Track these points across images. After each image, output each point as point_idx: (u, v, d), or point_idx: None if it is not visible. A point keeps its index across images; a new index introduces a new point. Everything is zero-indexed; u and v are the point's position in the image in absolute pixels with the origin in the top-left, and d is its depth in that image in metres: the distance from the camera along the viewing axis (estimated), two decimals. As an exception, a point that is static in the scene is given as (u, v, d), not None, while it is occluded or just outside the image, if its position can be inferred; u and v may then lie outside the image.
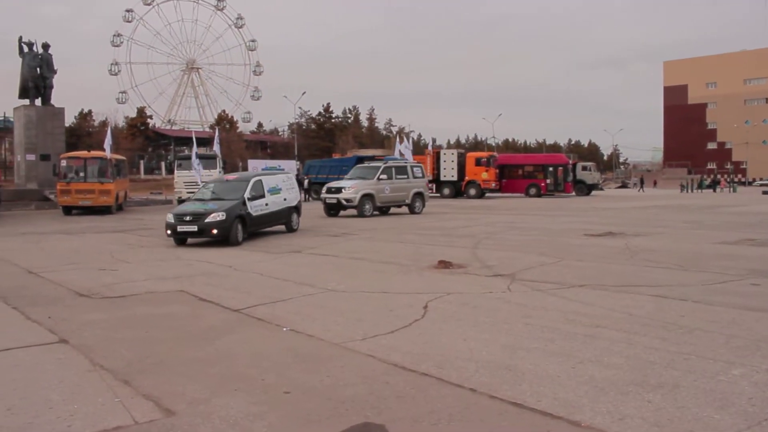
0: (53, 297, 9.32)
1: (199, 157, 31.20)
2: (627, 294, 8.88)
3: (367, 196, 25.04)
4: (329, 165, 45.27)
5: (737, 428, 4.30)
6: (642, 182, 70.44)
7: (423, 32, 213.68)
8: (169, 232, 15.79)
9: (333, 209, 25.47)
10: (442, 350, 6.25)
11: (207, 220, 15.41)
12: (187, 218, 15.58)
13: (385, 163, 26.74)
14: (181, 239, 15.99)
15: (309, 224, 21.45)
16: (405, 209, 26.86)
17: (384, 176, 25.67)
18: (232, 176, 19.71)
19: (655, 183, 77.89)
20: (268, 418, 4.64)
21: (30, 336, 7.08)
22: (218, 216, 15.47)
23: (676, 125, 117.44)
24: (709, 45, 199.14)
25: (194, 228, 15.51)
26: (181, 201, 29.10)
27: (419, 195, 27.11)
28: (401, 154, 33.85)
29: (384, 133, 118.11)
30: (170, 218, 15.81)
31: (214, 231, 15.45)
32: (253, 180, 17.53)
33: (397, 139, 40.29)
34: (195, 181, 28.86)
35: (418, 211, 26.72)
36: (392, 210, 27.05)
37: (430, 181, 45.53)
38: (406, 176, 26.65)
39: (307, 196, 39.64)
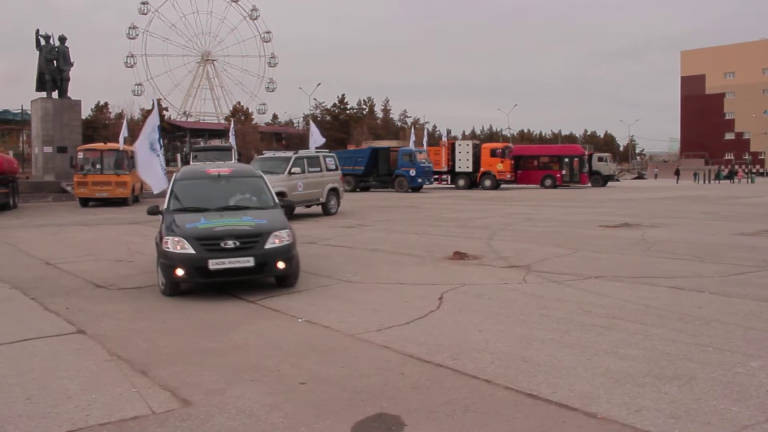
0: (71, 288, 9.40)
1: (215, 149, 30.69)
2: (643, 285, 8.83)
3: (278, 196, 16.61)
4: (344, 156, 45.21)
5: (755, 420, 4.27)
6: (678, 174, 67.64)
7: (439, 23, 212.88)
8: (185, 274, 8.46)
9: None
10: (457, 341, 6.25)
11: (267, 247, 8.67)
12: (230, 244, 8.50)
13: (295, 154, 21.60)
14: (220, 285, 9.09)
15: (324, 215, 21.47)
16: (316, 209, 22.39)
17: (297, 170, 20.50)
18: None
19: (677, 173, 73.97)
20: (284, 408, 4.67)
21: (48, 326, 7.16)
22: (283, 237, 8.91)
23: (694, 115, 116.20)
24: (728, 34, 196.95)
25: (249, 262, 8.53)
26: None
27: (334, 191, 22.36)
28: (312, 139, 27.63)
29: (399, 124, 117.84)
30: (188, 246, 8.46)
31: (281, 265, 8.80)
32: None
33: (412, 131, 40.11)
34: None
35: (333, 212, 22.09)
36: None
37: (445, 173, 45.57)
38: (319, 169, 21.77)
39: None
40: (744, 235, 14.54)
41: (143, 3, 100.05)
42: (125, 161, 28.05)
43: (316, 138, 26.73)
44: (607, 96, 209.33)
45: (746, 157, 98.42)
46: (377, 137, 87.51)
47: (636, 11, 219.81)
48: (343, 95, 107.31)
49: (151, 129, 12.96)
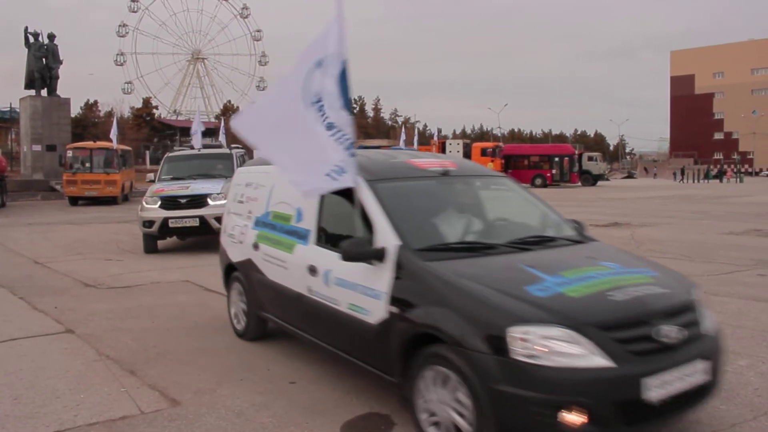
0: (59, 287, 9.35)
1: (205, 147, 30.47)
2: (633, 284, 8.84)
3: None
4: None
5: (743, 418, 4.30)
6: (683, 172, 66.08)
7: (429, 22, 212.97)
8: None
9: (179, 236, 13.56)
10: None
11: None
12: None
13: (231, 150, 15.66)
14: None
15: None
16: None
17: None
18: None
19: (683, 172, 70.57)
20: (273, 407, 4.66)
21: (36, 326, 7.11)
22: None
23: (683, 115, 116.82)
24: (717, 34, 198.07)
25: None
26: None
27: None
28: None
29: (389, 123, 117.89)
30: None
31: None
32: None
33: (402, 130, 40.13)
34: None
35: None
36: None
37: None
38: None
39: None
40: (733, 235, 14.62)
41: (133, 1, 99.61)
42: (115, 160, 27.94)
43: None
44: (597, 96, 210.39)
45: (735, 156, 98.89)
46: (368, 136, 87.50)
47: (627, 11, 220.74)
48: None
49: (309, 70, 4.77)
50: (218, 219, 11.75)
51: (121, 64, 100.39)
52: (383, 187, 4.79)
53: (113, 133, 28.60)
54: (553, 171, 47.69)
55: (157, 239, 13.10)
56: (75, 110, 69.05)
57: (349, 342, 4.72)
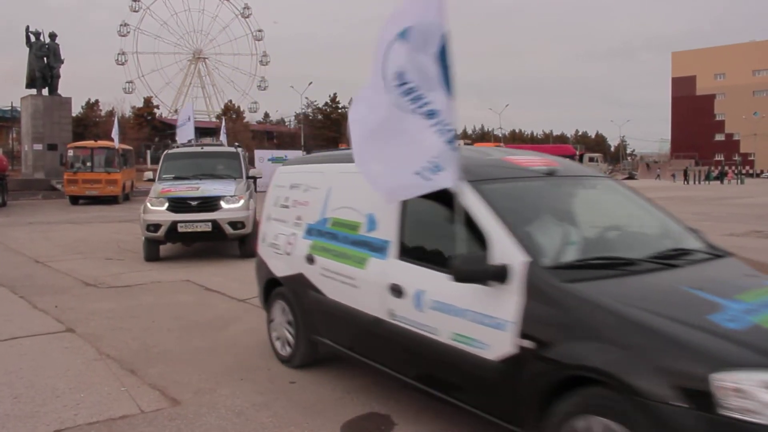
0: (60, 286, 9.35)
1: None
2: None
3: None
4: (335, 155, 45.18)
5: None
6: (686, 174, 64.20)
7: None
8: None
9: (185, 241, 12.53)
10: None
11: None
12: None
13: (236, 148, 14.25)
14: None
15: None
16: None
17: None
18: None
19: (685, 174, 68.88)
20: (273, 407, 4.66)
21: (37, 325, 7.11)
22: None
23: (684, 116, 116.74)
24: (718, 35, 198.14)
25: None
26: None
27: None
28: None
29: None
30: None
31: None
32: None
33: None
34: None
35: None
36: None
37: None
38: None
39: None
40: (734, 236, 14.61)
41: (134, 1, 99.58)
42: (116, 159, 27.95)
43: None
44: (598, 96, 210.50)
45: (736, 158, 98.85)
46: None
47: (628, 12, 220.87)
48: (335, 94, 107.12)
49: (389, 44, 3.91)
50: (232, 224, 11.56)
51: (123, 64, 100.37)
52: (491, 190, 3.95)
53: (114, 132, 28.61)
54: (554, 172, 47.72)
55: (159, 244, 11.89)
56: (76, 109, 69.07)
57: (452, 380, 3.89)
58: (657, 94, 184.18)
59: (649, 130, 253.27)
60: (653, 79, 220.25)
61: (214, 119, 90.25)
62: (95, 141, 32.19)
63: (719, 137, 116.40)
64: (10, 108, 60.41)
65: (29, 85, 35.50)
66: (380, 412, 4.55)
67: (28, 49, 35.46)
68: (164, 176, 12.97)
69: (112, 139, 28.94)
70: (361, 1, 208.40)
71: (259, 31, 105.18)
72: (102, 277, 10.04)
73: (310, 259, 5.17)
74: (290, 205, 5.72)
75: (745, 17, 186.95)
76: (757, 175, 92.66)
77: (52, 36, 36.01)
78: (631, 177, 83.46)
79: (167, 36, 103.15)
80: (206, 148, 14.72)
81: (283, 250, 5.64)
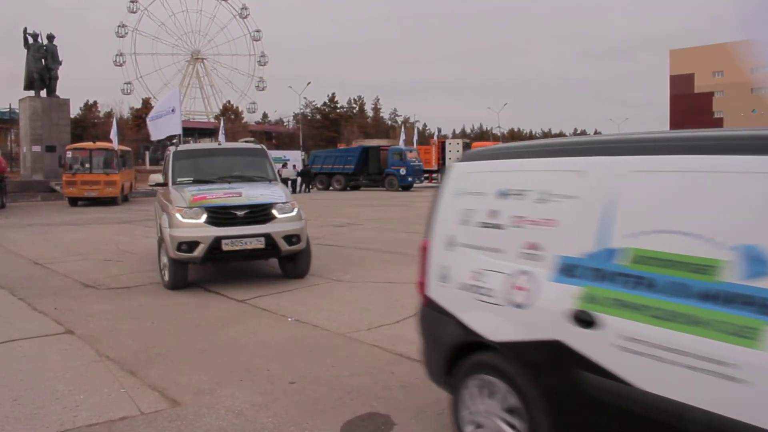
0: (59, 288, 9.34)
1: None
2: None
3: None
4: (334, 155, 45.23)
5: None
6: None
7: (429, 22, 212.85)
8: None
9: (228, 261, 10.12)
10: (447, 340, 6.25)
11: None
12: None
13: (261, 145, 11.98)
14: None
15: (310, 215, 21.45)
16: None
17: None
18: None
19: None
20: (273, 408, 4.66)
21: (36, 327, 7.11)
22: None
23: (682, 114, 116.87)
24: (716, 33, 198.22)
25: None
26: None
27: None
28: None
29: (389, 123, 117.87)
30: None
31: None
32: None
33: (402, 129, 40.16)
34: None
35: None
36: (395, 199, 26.65)
37: (435, 171, 45.65)
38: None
39: (309, 187, 39.59)
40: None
41: (132, 2, 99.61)
42: (114, 160, 27.95)
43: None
44: (597, 94, 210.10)
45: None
46: (367, 136, 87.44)
47: (625, 10, 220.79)
48: (333, 94, 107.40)
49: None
50: (287, 238, 9.30)
51: (121, 65, 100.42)
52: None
53: (113, 133, 28.63)
54: (553, 170, 47.78)
55: (187, 265, 9.27)
56: (74, 111, 69.12)
57: None
58: (655, 92, 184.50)
59: (648, 128, 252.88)
60: (651, 77, 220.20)
61: (212, 120, 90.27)
62: (94, 142, 32.21)
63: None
64: (8, 110, 60.42)
65: (27, 87, 35.48)
66: (380, 412, 4.55)
67: (26, 50, 35.44)
68: (180, 180, 10.22)
69: (110, 141, 28.96)
70: (358, 2, 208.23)
71: (257, 31, 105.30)
72: (101, 278, 10.04)
73: (586, 320, 2.98)
74: (506, 224, 3.58)
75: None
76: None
77: (50, 37, 35.99)
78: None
79: (165, 37, 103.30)
80: (225, 145, 12.79)
81: (505, 298, 3.46)
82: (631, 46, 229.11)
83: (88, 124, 78.77)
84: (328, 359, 5.71)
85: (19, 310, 8.04)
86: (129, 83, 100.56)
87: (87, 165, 27.62)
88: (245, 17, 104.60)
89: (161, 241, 9.72)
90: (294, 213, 9.58)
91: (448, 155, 46.22)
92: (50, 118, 34.55)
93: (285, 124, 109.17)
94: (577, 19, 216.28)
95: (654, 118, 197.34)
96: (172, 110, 13.62)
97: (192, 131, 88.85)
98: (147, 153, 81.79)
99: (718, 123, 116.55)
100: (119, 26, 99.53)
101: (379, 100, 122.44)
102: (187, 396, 4.92)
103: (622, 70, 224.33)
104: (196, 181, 10.19)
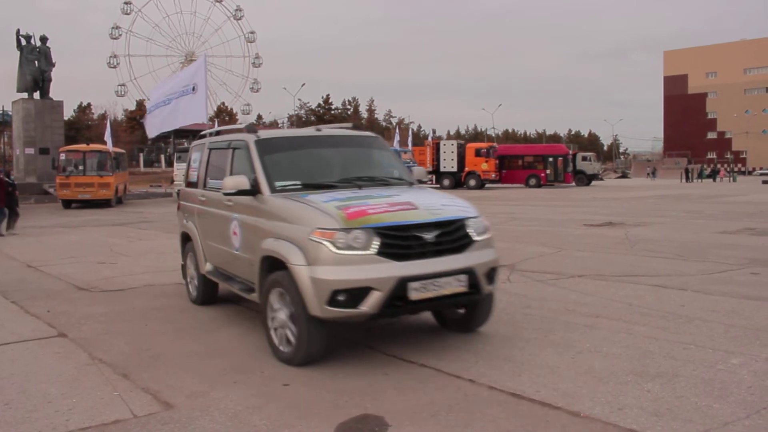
0: (52, 291, 9.30)
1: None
2: (627, 284, 8.87)
3: None
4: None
5: (736, 417, 4.30)
6: (687, 172, 64.03)
7: (424, 24, 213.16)
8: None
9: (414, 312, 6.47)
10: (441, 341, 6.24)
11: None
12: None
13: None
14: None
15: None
16: None
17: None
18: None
19: (687, 172, 65.48)
20: (267, 410, 4.64)
21: (28, 330, 7.07)
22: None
23: (676, 115, 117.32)
24: (710, 35, 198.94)
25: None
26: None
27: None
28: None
29: (384, 124, 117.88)
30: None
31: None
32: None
33: (397, 131, 40.14)
34: None
35: None
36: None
37: (429, 172, 45.64)
38: None
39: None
40: (726, 233, 14.65)
41: (126, 3, 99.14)
42: (108, 162, 27.90)
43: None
44: (591, 96, 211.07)
45: (728, 156, 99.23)
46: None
47: (620, 12, 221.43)
48: (327, 95, 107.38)
49: None
50: (489, 274, 5.96)
51: (115, 67, 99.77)
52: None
53: (107, 136, 28.57)
54: (548, 171, 47.83)
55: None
56: (68, 113, 69.00)
57: None
58: (650, 93, 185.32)
59: (642, 129, 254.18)
60: (646, 78, 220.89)
61: (207, 122, 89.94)
62: (87, 144, 32.14)
63: (711, 135, 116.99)
64: (1, 112, 60.16)
65: (21, 89, 35.39)
66: (374, 413, 4.53)
67: (19, 52, 35.35)
68: (281, 184, 6.33)
69: (104, 143, 28.90)
70: (353, 3, 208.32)
71: (252, 33, 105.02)
72: (94, 281, 10.00)
73: None
74: None
75: (736, 17, 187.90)
76: (749, 173, 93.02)
77: (43, 39, 35.92)
78: (624, 176, 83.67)
79: (159, 38, 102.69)
80: (326, 131, 7.51)
81: None
82: (627, 48, 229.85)
83: (82, 126, 78.60)
84: (322, 361, 5.69)
85: (11, 313, 8.00)
86: (123, 85, 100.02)
87: (81, 167, 27.59)
88: (239, 19, 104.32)
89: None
90: (490, 235, 6.32)
91: (442, 156, 46.28)
92: (43, 120, 34.48)
93: (279, 125, 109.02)
94: (572, 21, 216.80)
95: (651, 118, 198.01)
96: (193, 89, 9.75)
97: (186, 133, 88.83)
98: (141, 155, 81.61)
99: (712, 124, 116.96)
100: (113, 28, 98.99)
101: (373, 101, 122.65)
102: (180, 398, 4.90)
103: (616, 71, 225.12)
104: (306, 186, 6.36)
